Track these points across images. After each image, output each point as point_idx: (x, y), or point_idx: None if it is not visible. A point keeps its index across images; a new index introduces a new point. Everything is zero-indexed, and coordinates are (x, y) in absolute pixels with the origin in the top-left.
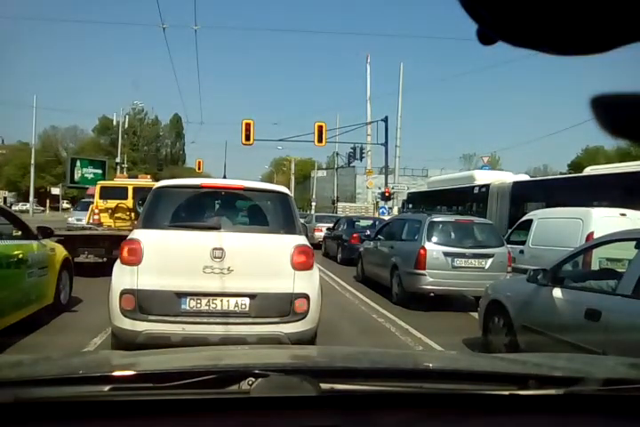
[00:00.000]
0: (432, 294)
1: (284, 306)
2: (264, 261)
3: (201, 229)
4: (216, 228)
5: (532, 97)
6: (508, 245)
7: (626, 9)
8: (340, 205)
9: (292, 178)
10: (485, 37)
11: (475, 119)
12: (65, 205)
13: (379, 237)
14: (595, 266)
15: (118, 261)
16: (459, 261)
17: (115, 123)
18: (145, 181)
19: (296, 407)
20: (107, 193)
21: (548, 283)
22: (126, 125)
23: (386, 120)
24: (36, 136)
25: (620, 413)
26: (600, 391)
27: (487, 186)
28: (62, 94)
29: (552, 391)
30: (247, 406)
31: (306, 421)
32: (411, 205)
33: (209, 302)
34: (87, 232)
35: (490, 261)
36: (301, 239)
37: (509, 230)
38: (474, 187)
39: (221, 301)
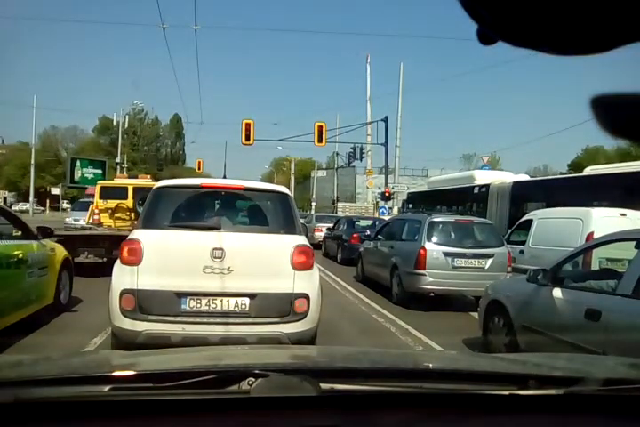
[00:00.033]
0: (432, 294)
1: (284, 306)
2: (264, 261)
3: (201, 229)
4: (216, 228)
5: (532, 97)
6: (508, 245)
7: (626, 9)
8: (340, 205)
9: (292, 178)
10: (485, 37)
11: (475, 119)
12: (65, 205)
13: (379, 237)
14: (595, 266)
15: (118, 261)
16: (459, 261)
17: (115, 123)
18: (145, 181)
19: (296, 407)
20: (107, 193)
21: (548, 283)
22: (126, 125)
23: (386, 120)
24: (35, 136)
25: (620, 413)
26: (600, 391)
27: (487, 186)
28: (62, 94)
29: (552, 391)
30: (247, 406)
31: (306, 421)
32: (411, 205)
33: (209, 302)
34: (87, 232)
35: (490, 261)
36: (301, 239)
37: (509, 230)
38: (474, 187)
39: (221, 301)
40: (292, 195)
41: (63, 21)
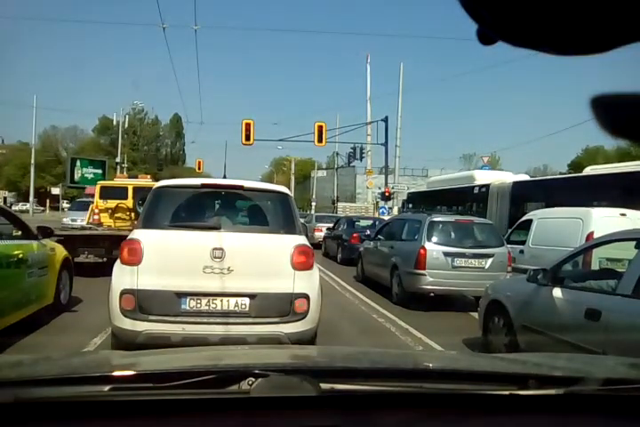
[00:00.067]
0: (432, 294)
1: (284, 306)
2: (264, 261)
3: (201, 229)
4: (216, 228)
5: (532, 97)
6: (508, 245)
7: (626, 9)
8: (340, 205)
9: (292, 178)
10: (485, 37)
11: (475, 119)
12: (65, 204)
13: (379, 237)
14: (595, 266)
15: (118, 261)
16: (459, 261)
17: (115, 123)
18: (145, 181)
19: (296, 407)
20: (107, 193)
21: (548, 283)
22: (126, 125)
23: (386, 120)
24: (35, 136)
25: (620, 413)
26: (600, 391)
27: (487, 186)
28: (62, 94)
29: (552, 391)
30: (247, 406)
31: (306, 421)
32: (411, 205)
33: (209, 302)
34: (87, 232)
35: (490, 261)
36: (301, 239)
37: (509, 230)
38: (474, 187)
39: (221, 301)
40: (292, 195)
41: (63, 21)
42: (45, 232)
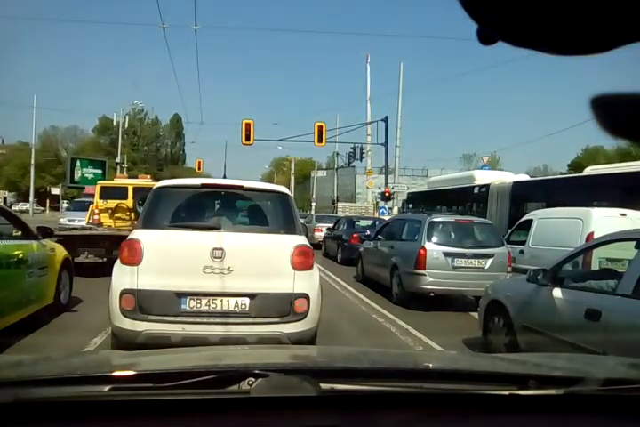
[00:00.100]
0: (432, 294)
1: (283, 306)
2: (264, 261)
3: (201, 229)
4: (216, 228)
5: (532, 97)
6: (508, 245)
7: (626, 9)
8: (340, 205)
9: (292, 178)
10: (485, 37)
11: (475, 119)
12: (65, 204)
13: (379, 237)
14: (595, 266)
15: (118, 261)
16: (459, 261)
17: (115, 123)
18: (145, 181)
19: (296, 407)
20: (107, 193)
21: (548, 283)
22: (126, 125)
23: (386, 120)
24: (35, 136)
25: (620, 413)
26: (600, 391)
27: (487, 186)
28: (62, 94)
29: (552, 391)
30: (247, 406)
31: (306, 421)
32: (411, 205)
33: (209, 302)
34: (87, 232)
35: (490, 261)
36: (301, 239)
37: (509, 230)
38: (474, 187)
39: (221, 301)
40: (292, 195)
41: (63, 21)
42: (45, 232)
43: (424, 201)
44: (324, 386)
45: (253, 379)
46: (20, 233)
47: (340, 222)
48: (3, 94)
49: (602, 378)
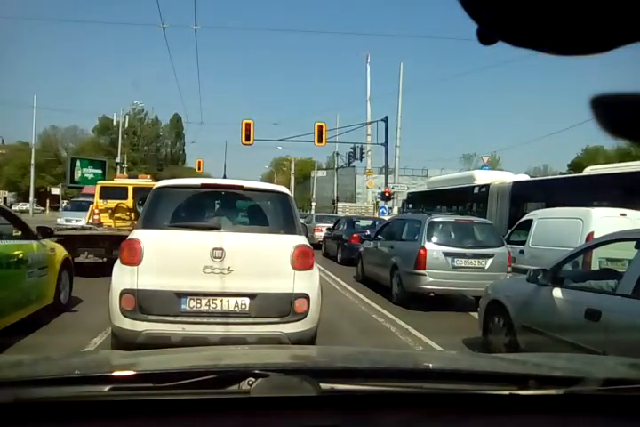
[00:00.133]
0: (432, 294)
1: (283, 306)
2: (264, 261)
3: (201, 229)
4: (216, 228)
5: (532, 97)
6: (508, 245)
7: (626, 9)
8: (340, 205)
9: (292, 178)
10: (485, 37)
11: (475, 119)
12: (65, 204)
13: (379, 237)
14: (595, 266)
15: (118, 261)
16: (459, 261)
17: (115, 123)
18: (145, 181)
19: (296, 407)
20: (107, 193)
21: (548, 283)
22: (126, 125)
23: (386, 120)
24: (35, 136)
25: (620, 413)
26: (600, 391)
27: (487, 186)
28: (62, 94)
29: (552, 391)
30: (247, 406)
31: (306, 421)
32: (411, 205)
33: (209, 302)
34: (87, 232)
35: (490, 261)
36: (301, 239)
37: (509, 230)
38: (474, 187)
39: (221, 301)
40: (292, 195)
41: (63, 21)
42: (45, 232)
43: (424, 201)
44: (323, 386)
45: (253, 379)
46: (20, 233)
47: (340, 222)
48: (3, 94)
49: (602, 378)
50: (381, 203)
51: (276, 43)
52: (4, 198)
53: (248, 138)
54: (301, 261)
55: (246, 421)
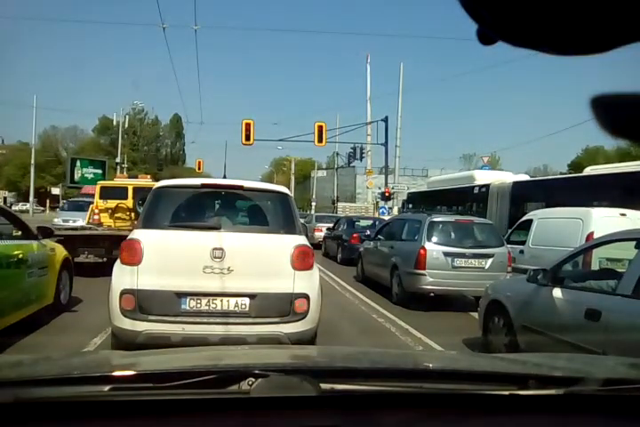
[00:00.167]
0: (432, 294)
1: (283, 306)
2: (264, 261)
3: (201, 229)
4: (216, 228)
5: (532, 97)
6: (508, 245)
7: (626, 9)
8: (340, 205)
9: (292, 178)
10: (485, 37)
11: (475, 119)
12: (62, 204)
13: (379, 237)
14: (595, 266)
15: (118, 261)
16: (459, 261)
17: (115, 123)
18: (145, 181)
19: (296, 407)
20: (107, 193)
21: (548, 283)
22: (126, 125)
23: (386, 120)
24: (35, 136)
25: (620, 413)
26: (600, 391)
27: (487, 186)
28: (62, 94)
29: (552, 391)
30: (247, 406)
31: (306, 421)
32: (411, 205)
33: (209, 302)
34: (87, 232)
35: (490, 261)
36: (301, 239)
37: (509, 230)
38: (474, 187)
39: (221, 301)
40: (292, 195)
41: (63, 21)
42: (45, 232)
43: (424, 201)
44: (323, 386)
45: (253, 379)
46: (20, 233)
47: (340, 222)
48: (3, 94)
49: (602, 378)
50: (381, 203)
51: (276, 43)
52: (4, 198)
53: (248, 138)
54: (301, 261)
55: (246, 421)
